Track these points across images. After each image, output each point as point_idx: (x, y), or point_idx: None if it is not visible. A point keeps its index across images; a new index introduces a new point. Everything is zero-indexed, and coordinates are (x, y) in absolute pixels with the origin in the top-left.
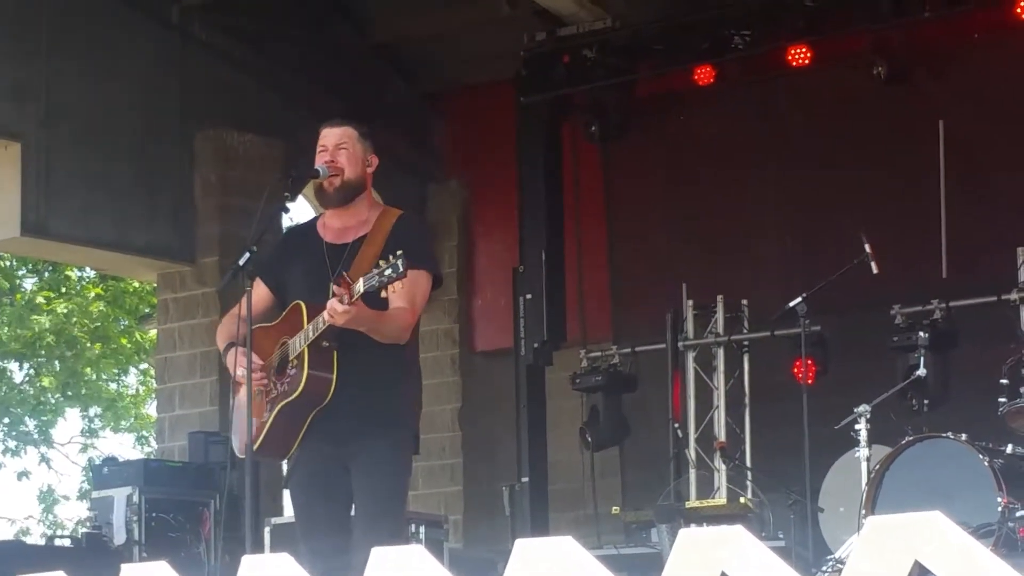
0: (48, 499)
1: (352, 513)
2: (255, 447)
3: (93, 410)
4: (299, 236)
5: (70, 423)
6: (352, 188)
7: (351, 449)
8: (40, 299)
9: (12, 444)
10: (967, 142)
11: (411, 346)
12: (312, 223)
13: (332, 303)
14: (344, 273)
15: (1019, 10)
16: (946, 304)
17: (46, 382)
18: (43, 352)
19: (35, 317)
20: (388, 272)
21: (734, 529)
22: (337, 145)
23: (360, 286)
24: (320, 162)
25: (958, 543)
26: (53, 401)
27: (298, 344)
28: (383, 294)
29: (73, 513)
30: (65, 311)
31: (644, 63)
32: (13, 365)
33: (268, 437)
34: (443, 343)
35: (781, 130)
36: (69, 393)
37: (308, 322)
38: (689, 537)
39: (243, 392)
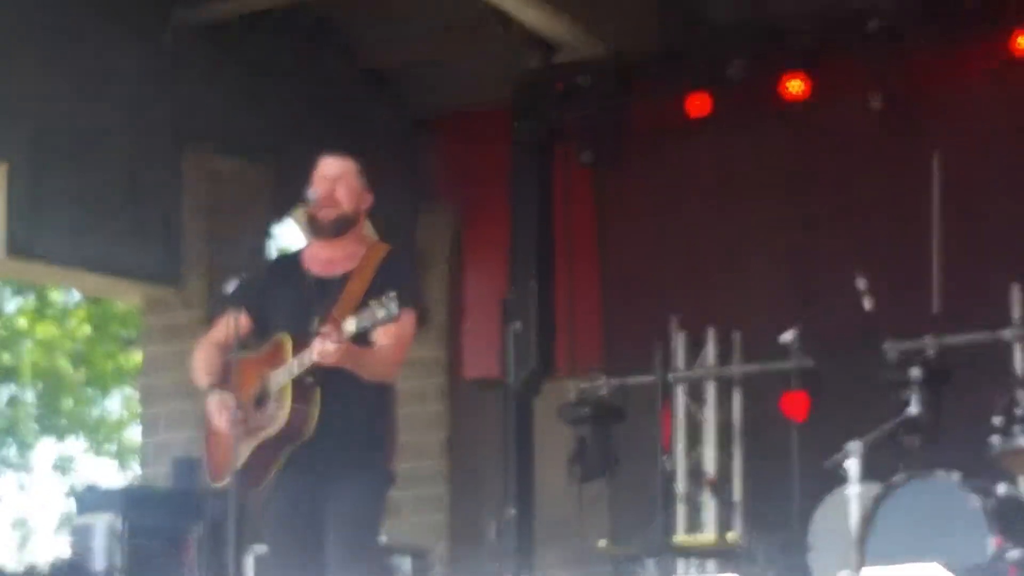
0: (22, 528)
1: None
2: (229, 478)
3: (70, 440)
4: (283, 267)
5: (48, 451)
6: (347, 222)
7: (329, 483)
8: (22, 320)
9: None
10: (962, 176)
11: (392, 385)
12: (297, 254)
13: (322, 343)
14: (334, 312)
15: (1015, 44)
16: (939, 341)
17: (22, 413)
18: (22, 383)
19: (16, 345)
20: (381, 314)
21: None
22: (337, 178)
23: (351, 326)
24: (320, 193)
25: None
26: (32, 429)
27: (281, 378)
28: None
29: (48, 548)
30: (48, 337)
31: (638, 91)
32: None
33: (244, 468)
34: (431, 370)
35: (775, 161)
36: (46, 424)
37: (293, 356)
38: None
39: (215, 421)
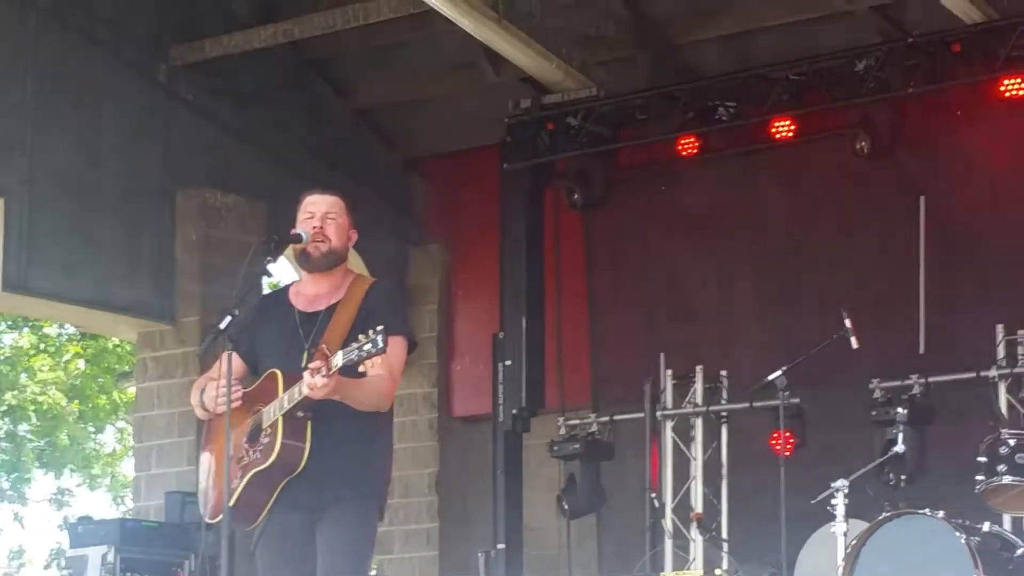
0: (17, 559)
1: None
2: (222, 515)
3: (67, 472)
4: (271, 304)
5: (45, 483)
6: (336, 257)
7: (318, 514)
8: (19, 356)
9: None
10: (948, 218)
11: (388, 417)
12: (284, 291)
13: (310, 377)
14: (323, 346)
15: (1002, 88)
16: (925, 379)
17: (24, 454)
18: (22, 420)
19: (15, 380)
20: (368, 347)
21: None
22: (326, 214)
23: (339, 359)
24: (308, 229)
25: None
26: (28, 464)
27: (272, 412)
28: (361, 368)
29: None
30: (45, 378)
31: (628, 132)
32: None
33: (237, 504)
34: (421, 407)
35: (763, 202)
36: (46, 458)
37: (283, 391)
38: None
39: (208, 457)
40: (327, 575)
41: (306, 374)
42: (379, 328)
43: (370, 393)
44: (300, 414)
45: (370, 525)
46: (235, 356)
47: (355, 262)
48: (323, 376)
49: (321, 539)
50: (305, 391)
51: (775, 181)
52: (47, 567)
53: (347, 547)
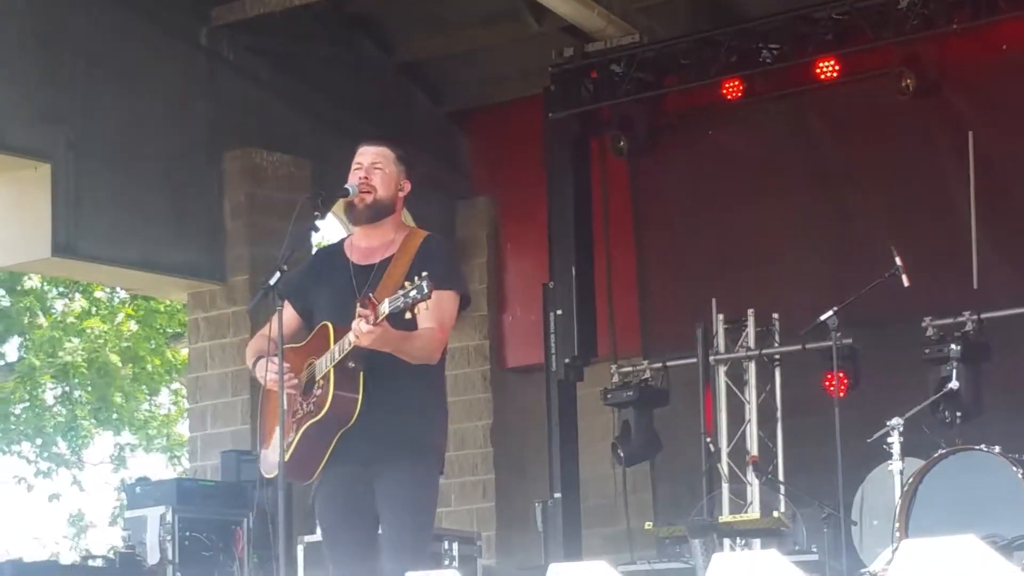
0: (78, 523)
1: (379, 532)
2: (278, 468)
3: (125, 435)
4: (326, 257)
5: (102, 445)
6: (382, 208)
7: (376, 469)
8: (72, 319)
9: (44, 466)
10: (996, 153)
11: (440, 369)
12: (339, 244)
13: (357, 324)
14: (370, 294)
15: None
16: (978, 316)
17: (79, 411)
18: (75, 379)
19: (68, 342)
20: (413, 293)
21: (767, 553)
22: (372, 164)
23: (385, 307)
24: (354, 179)
25: (992, 566)
26: (86, 424)
27: (324, 364)
28: (408, 315)
29: (104, 540)
30: (97, 333)
31: (672, 78)
32: (46, 385)
33: (294, 458)
34: (474, 359)
35: (810, 143)
36: (101, 417)
37: (334, 343)
38: (723, 561)
39: (265, 413)
40: (391, 536)
41: (354, 322)
42: (424, 274)
43: (419, 346)
44: (351, 365)
45: (430, 481)
46: (289, 311)
47: (404, 214)
48: (369, 323)
49: (381, 502)
50: (352, 339)
51: (821, 122)
52: (108, 526)
53: (406, 508)
